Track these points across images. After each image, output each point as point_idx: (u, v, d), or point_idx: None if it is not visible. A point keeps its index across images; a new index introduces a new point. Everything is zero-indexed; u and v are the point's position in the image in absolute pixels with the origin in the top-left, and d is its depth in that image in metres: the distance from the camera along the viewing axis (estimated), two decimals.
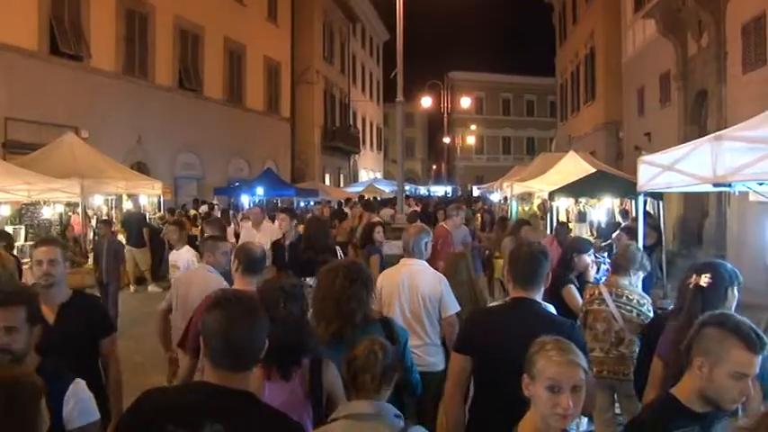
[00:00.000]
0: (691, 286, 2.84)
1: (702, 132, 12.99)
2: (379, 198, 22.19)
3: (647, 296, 4.23)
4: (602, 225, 11.50)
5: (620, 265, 4.29)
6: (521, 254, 2.74)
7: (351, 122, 37.27)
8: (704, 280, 2.88)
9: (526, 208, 14.76)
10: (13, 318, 2.22)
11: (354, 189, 28.89)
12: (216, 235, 5.16)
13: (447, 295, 3.97)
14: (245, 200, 18.59)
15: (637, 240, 5.89)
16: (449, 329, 3.86)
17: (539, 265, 2.69)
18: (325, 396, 2.41)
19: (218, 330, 1.74)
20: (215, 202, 17.33)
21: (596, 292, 4.27)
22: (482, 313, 2.95)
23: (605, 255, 9.15)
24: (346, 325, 2.70)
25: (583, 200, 12.21)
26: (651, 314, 3.99)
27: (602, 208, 12.48)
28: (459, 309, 4.00)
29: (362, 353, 2.20)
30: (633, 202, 10.37)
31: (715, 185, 4.38)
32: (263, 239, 7.67)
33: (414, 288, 3.94)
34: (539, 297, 2.69)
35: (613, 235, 8.59)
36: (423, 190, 46.23)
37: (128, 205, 13.07)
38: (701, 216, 14.87)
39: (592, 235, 12.21)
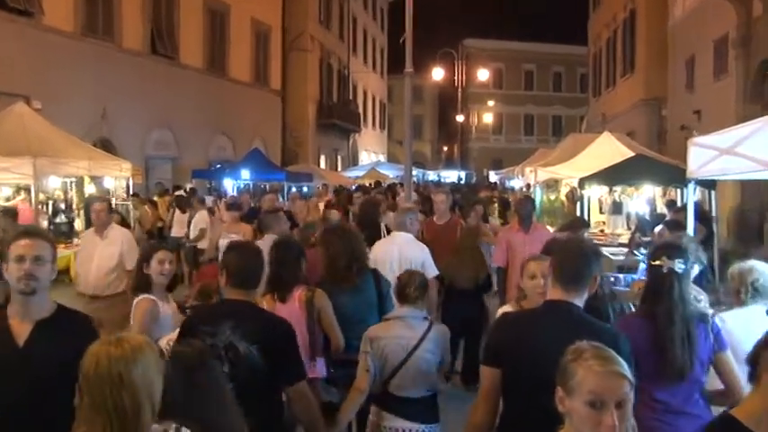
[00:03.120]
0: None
1: (766, 110, 12.71)
2: (384, 184, 22.01)
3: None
4: (646, 217, 11.33)
5: None
6: (568, 249, 2.79)
7: (350, 97, 37.18)
8: None
9: (552, 197, 14.65)
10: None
11: (353, 173, 28.76)
12: (275, 209, 7.09)
13: (427, 260, 5.48)
14: (228, 184, 18.44)
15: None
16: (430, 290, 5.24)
17: (586, 264, 2.68)
18: (317, 313, 4.00)
19: (234, 263, 3.16)
20: (191, 185, 17.06)
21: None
22: (512, 319, 2.97)
23: (645, 252, 9.01)
24: (354, 275, 4.30)
25: (618, 188, 12.09)
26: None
27: (642, 198, 12.36)
28: (437, 273, 5.61)
29: (405, 275, 3.93)
30: (680, 191, 10.22)
31: None
32: (108, 250, 6.19)
33: (402, 255, 5.45)
34: (580, 301, 2.67)
35: (655, 230, 8.45)
36: (432, 175, 45.98)
37: (90, 189, 12.87)
38: (761, 208, 14.58)
39: (629, 229, 12.06)
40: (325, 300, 4.07)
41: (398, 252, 5.52)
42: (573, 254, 2.71)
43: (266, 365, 2.89)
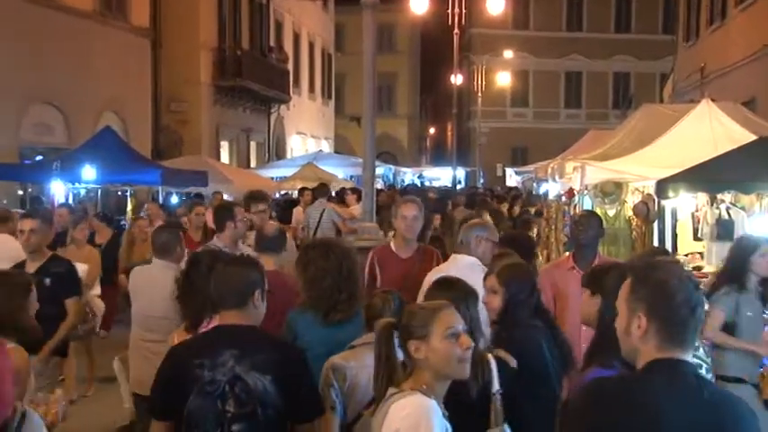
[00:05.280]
0: None
1: None
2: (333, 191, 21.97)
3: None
4: None
5: None
6: (672, 287, 3.11)
7: (272, 42, 37.40)
8: None
9: (611, 212, 14.61)
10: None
11: (278, 172, 28.90)
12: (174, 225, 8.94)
13: None
14: (57, 189, 18.10)
15: None
16: None
17: (699, 306, 3.13)
18: None
19: (221, 280, 4.39)
20: None
21: None
22: (619, 388, 3.23)
23: None
24: (345, 303, 5.47)
25: (728, 196, 12.19)
26: None
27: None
28: None
29: (379, 302, 5.09)
30: None
31: None
32: None
33: None
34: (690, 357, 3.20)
35: None
36: (409, 175, 45.99)
37: None
38: None
39: None
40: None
41: None
42: (681, 296, 3.08)
43: (281, 400, 4.10)
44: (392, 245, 7.87)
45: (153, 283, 6.83)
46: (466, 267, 6.31)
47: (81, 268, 9.25)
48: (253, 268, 4.47)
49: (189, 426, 4.11)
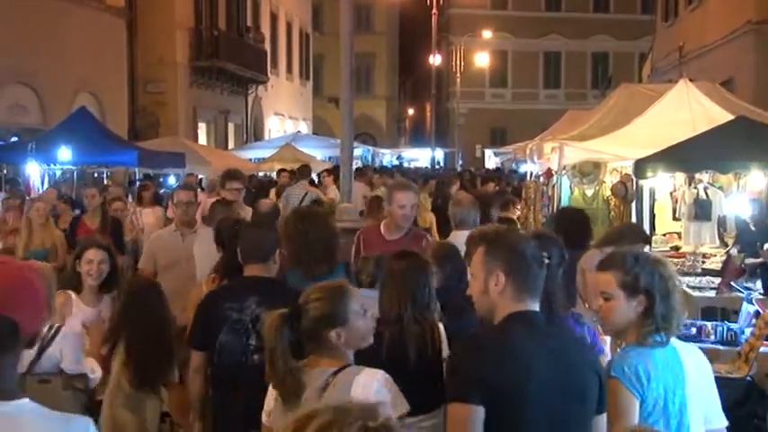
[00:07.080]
0: None
1: None
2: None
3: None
4: (751, 226, 11.37)
5: None
6: (523, 246, 3.74)
7: (249, 23, 37.22)
8: None
9: (588, 192, 14.70)
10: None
11: (256, 153, 28.88)
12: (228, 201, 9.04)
13: None
14: (33, 170, 18.00)
15: None
16: None
17: (544, 261, 3.79)
18: None
19: (248, 240, 5.78)
20: None
21: None
22: (493, 339, 3.78)
23: (752, 283, 9.03)
24: (326, 266, 6.24)
25: (705, 176, 12.21)
26: None
27: (746, 192, 12.43)
28: None
29: (361, 262, 6.37)
30: None
31: None
32: None
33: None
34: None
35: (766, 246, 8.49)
36: (388, 156, 45.91)
37: None
38: None
39: (723, 245, 12.07)
40: None
41: None
42: (531, 254, 3.70)
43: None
44: (382, 226, 7.85)
45: (204, 248, 7.72)
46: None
47: None
48: (274, 232, 6.00)
49: (220, 355, 5.27)
